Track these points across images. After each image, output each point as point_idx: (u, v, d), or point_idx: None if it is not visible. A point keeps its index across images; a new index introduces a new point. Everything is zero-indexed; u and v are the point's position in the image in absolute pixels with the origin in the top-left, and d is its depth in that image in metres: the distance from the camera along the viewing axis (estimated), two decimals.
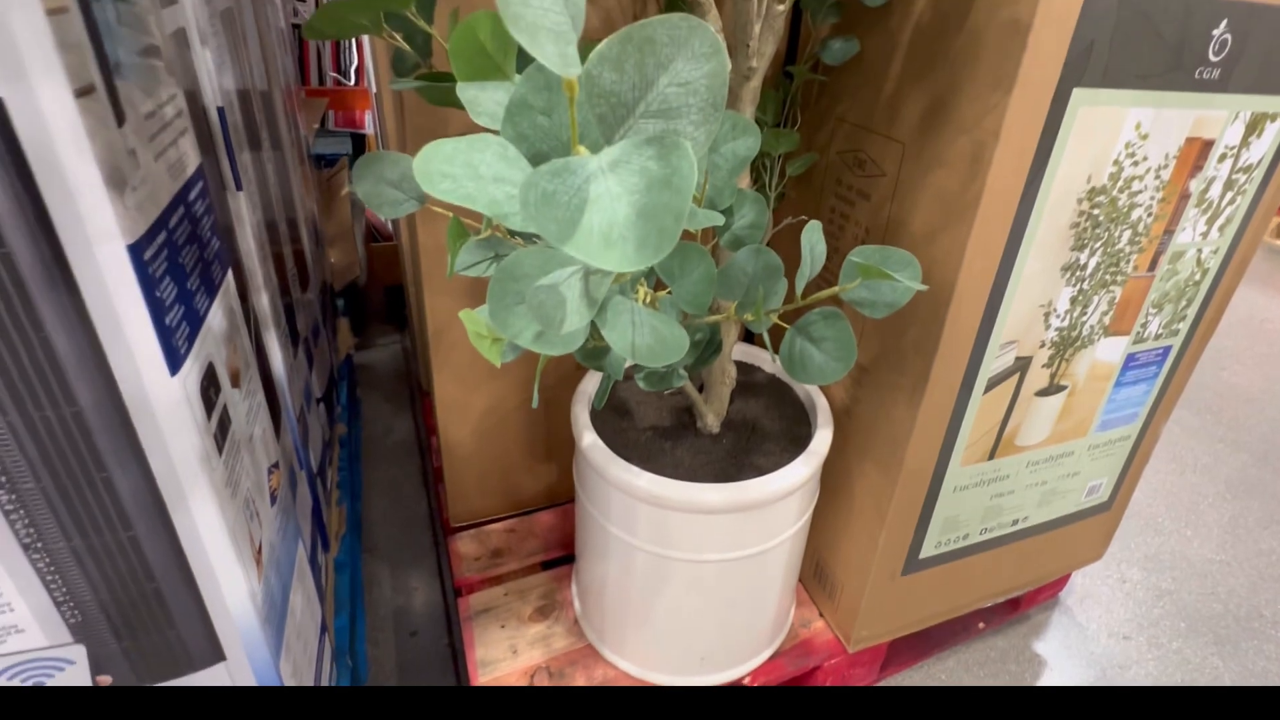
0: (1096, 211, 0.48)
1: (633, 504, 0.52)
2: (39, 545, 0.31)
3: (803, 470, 0.52)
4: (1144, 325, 0.57)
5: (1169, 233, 0.52)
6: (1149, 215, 0.50)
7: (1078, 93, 0.42)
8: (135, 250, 0.28)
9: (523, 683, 0.62)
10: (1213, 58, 0.45)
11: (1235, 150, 0.50)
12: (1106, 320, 0.54)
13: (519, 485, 0.79)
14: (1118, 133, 0.45)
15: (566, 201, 0.14)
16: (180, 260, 0.33)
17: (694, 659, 0.60)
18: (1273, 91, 0.48)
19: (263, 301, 0.54)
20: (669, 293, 0.34)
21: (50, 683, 0.35)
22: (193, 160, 0.37)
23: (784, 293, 0.36)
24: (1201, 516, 0.99)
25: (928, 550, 0.61)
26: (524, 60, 0.28)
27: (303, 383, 0.69)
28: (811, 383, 0.37)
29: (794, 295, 0.37)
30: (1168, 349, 0.60)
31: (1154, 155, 0.47)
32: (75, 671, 0.36)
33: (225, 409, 0.37)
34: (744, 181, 0.45)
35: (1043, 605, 0.84)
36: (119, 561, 0.34)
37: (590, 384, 0.61)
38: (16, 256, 0.25)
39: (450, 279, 0.64)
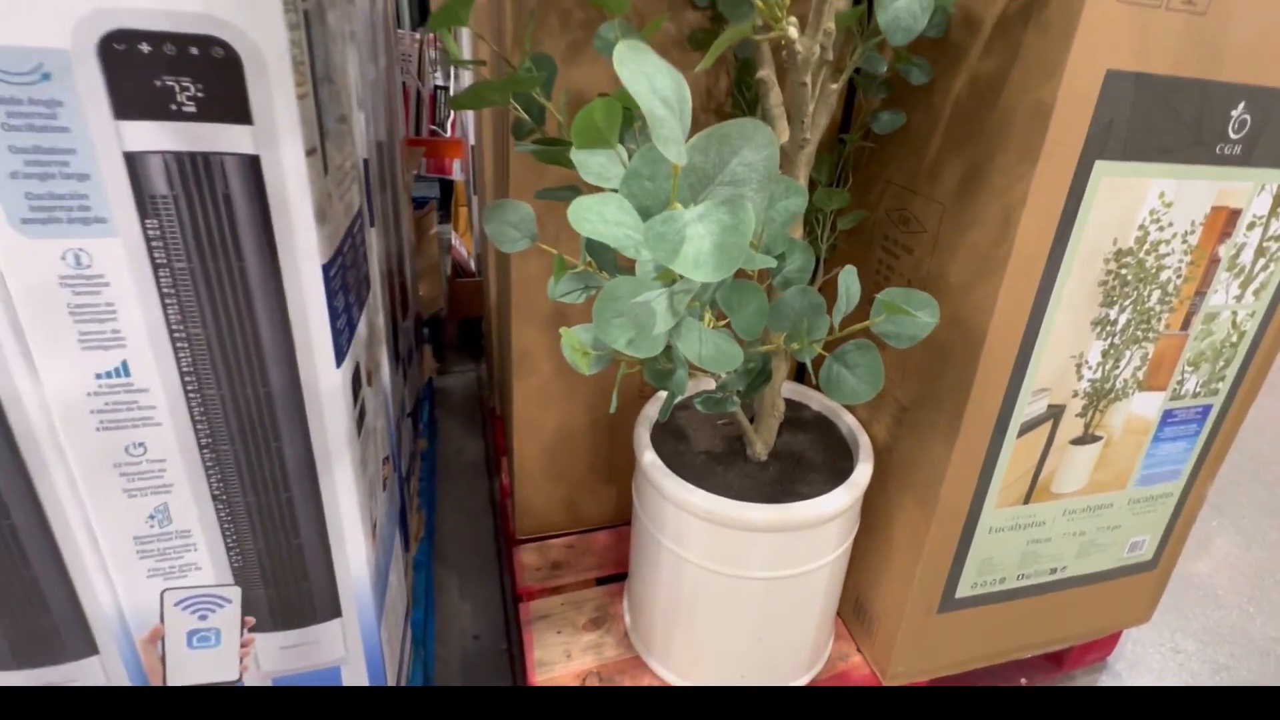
0: (1124, 271, 0.52)
1: (685, 518, 0.58)
2: (224, 498, 0.40)
3: (844, 498, 0.57)
4: (1180, 382, 0.59)
5: (1200, 294, 0.55)
6: (1178, 277, 0.54)
7: (1100, 164, 0.47)
8: (325, 269, 0.37)
9: (575, 684, 0.67)
10: (1233, 135, 0.50)
11: (1264, 219, 0.54)
12: (1141, 375, 0.57)
13: (581, 504, 0.85)
14: (1142, 200, 0.50)
15: (672, 238, 0.21)
16: (346, 279, 0.42)
17: (734, 674, 0.64)
18: None
19: (380, 320, 0.64)
20: (728, 324, 0.41)
21: (213, 616, 0.43)
22: (358, 201, 0.47)
23: (826, 326, 0.43)
24: (1266, 594, 0.96)
25: (964, 590, 0.64)
26: (623, 131, 0.36)
27: (399, 396, 0.79)
28: (845, 401, 0.43)
29: (834, 329, 0.43)
30: (1208, 408, 0.62)
31: (1179, 221, 0.52)
32: (230, 610, 0.44)
33: (363, 401, 0.46)
34: (796, 232, 0.52)
35: (1089, 667, 0.83)
36: (275, 518, 0.42)
37: (652, 409, 0.67)
38: (249, 270, 0.35)
39: (536, 309, 0.72)
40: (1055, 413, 0.57)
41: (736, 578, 0.58)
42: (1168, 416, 0.61)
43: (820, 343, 0.42)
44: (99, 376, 0.36)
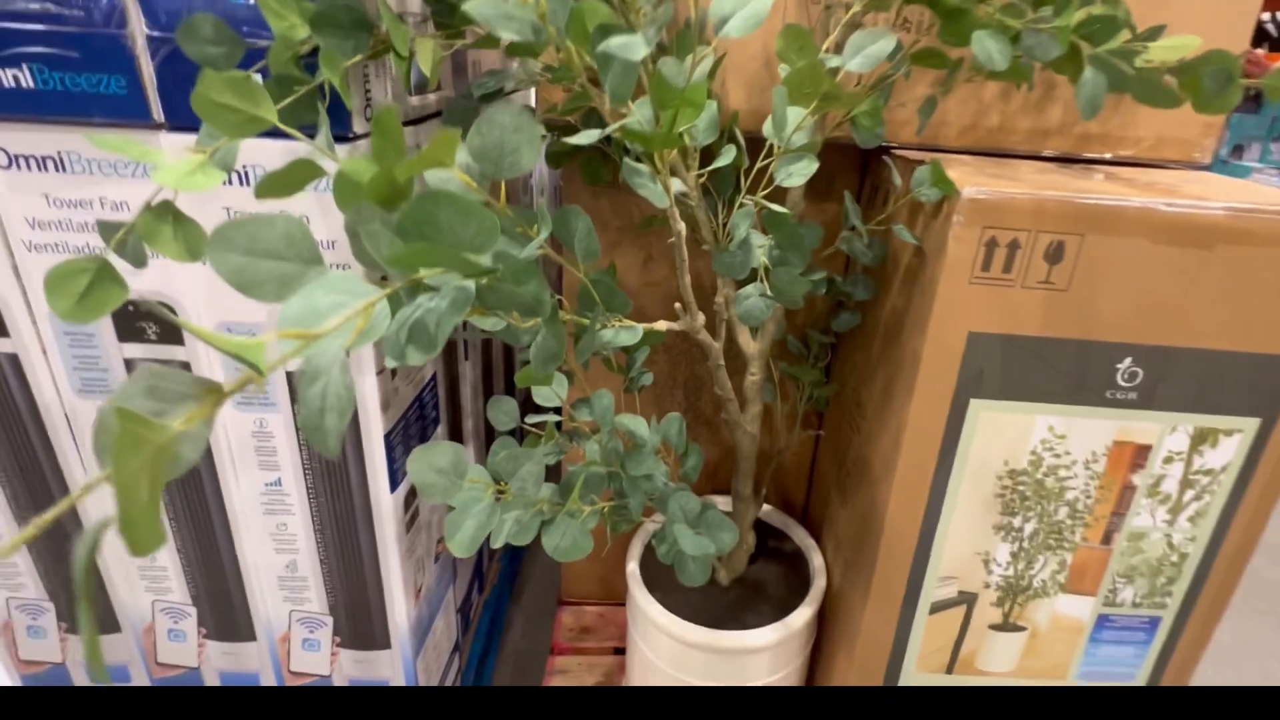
0: (1021, 488, 0.58)
1: (645, 623, 0.73)
2: (326, 561, 0.65)
3: (770, 636, 0.68)
4: (1114, 591, 0.62)
5: (1119, 515, 0.59)
6: (1087, 497, 0.58)
7: (976, 402, 0.56)
8: (387, 438, 0.60)
9: None
10: (1123, 383, 0.55)
11: (1184, 455, 0.56)
12: (1062, 579, 0.62)
13: (615, 579, 1.03)
14: (1030, 431, 0.56)
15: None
16: (409, 431, 0.66)
17: None
18: (1213, 411, 0.55)
19: (464, 425, 0.88)
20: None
21: (317, 631, 0.69)
22: (429, 372, 0.71)
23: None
24: None
25: None
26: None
27: None
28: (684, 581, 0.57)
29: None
30: (1155, 620, 0.63)
31: (1077, 451, 0.57)
32: (326, 629, 0.69)
33: (416, 508, 0.69)
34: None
35: None
36: (353, 578, 0.66)
37: (652, 525, 0.84)
38: (347, 448, 0.59)
39: None
40: (968, 599, 0.63)
41: (680, 681, 0.72)
42: (1104, 621, 0.63)
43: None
44: (266, 485, 0.62)
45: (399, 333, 0.24)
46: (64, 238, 0.50)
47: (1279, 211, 0.49)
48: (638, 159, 0.38)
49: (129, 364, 0.55)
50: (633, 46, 0.25)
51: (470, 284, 0.24)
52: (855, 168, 0.74)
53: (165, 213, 0.33)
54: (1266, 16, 3.32)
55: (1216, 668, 1.07)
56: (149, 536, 0.16)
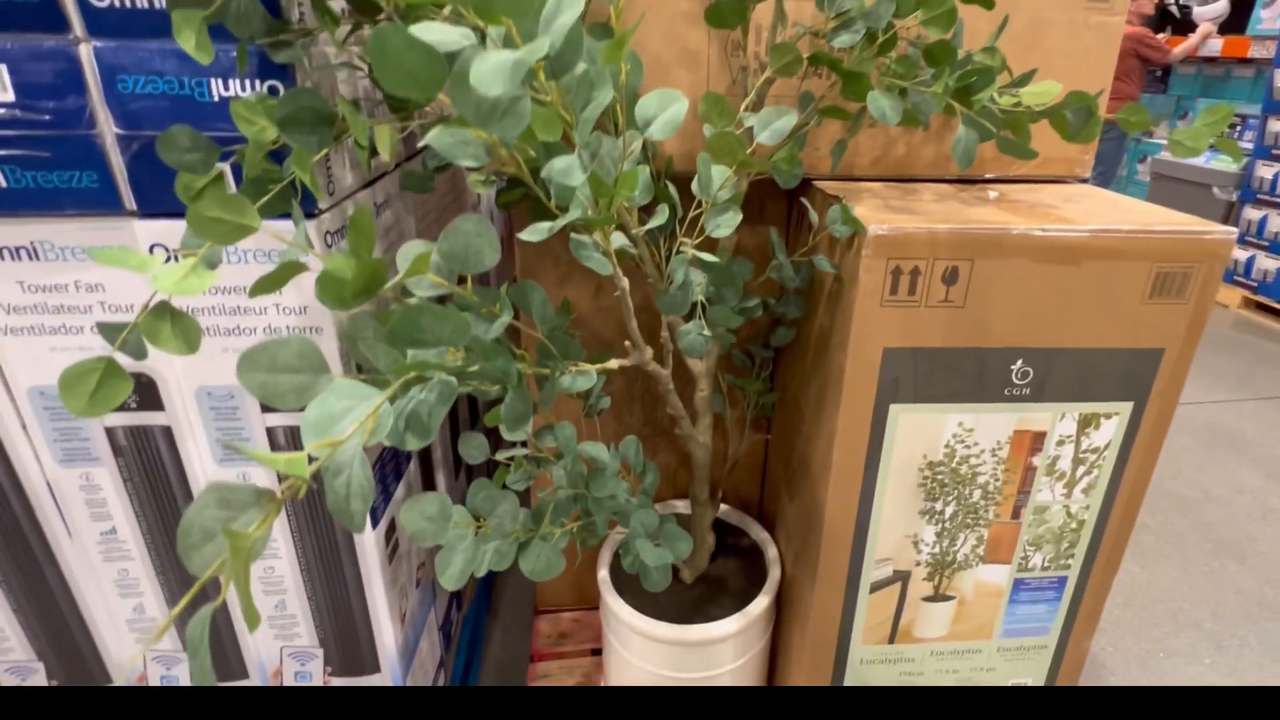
0: (940, 477, 0.67)
1: (618, 624, 0.79)
2: (314, 598, 0.69)
3: (732, 625, 0.75)
4: (1025, 558, 0.71)
5: (1024, 493, 0.68)
6: (996, 480, 0.67)
7: (895, 406, 0.63)
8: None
9: None
10: (1018, 381, 0.63)
11: (1073, 437, 0.66)
12: (981, 551, 0.70)
13: (588, 586, 1.08)
14: (942, 428, 0.65)
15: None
16: (385, 470, 0.70)
17: None
18: (1094, 399, 0.64)
19: (435, 462, 0.92)
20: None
21: (308, 664, 0.73)
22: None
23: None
24: None
25: None
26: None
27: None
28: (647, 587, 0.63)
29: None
30: (1063, 579, 0.72)
31: (984, 441, 0.65)
32: (317, 661, 0.73)
33: (396, 540, 0.73)
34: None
35: None
36: (342, 611, 0.70)
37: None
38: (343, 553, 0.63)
39: None
40: (902, 576, 0.71)
41: (653, 674, 0.79)
42: (1020, 584, 0.72)
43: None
44: None
45: (397, 422, 0.29)
46: (39, 320, 0.52)
47: (1131, 231, 0.58)
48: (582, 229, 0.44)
49: (110, 432, 0.58)
50: (571, 172, 0.30)
51: (453, 378, 0.29)
52: (784, 195, 0.81)
53: (163, 312, 0.37)
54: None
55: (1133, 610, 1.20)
56: (253, 613, 0.21)
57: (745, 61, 0.62)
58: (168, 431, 0.57)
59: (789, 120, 0.48)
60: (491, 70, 0.23)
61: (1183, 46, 2.88)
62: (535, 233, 0.35)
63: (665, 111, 0.38)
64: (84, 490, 0.58)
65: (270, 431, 0.58)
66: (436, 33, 0.29)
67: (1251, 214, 2.60)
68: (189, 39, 0.38)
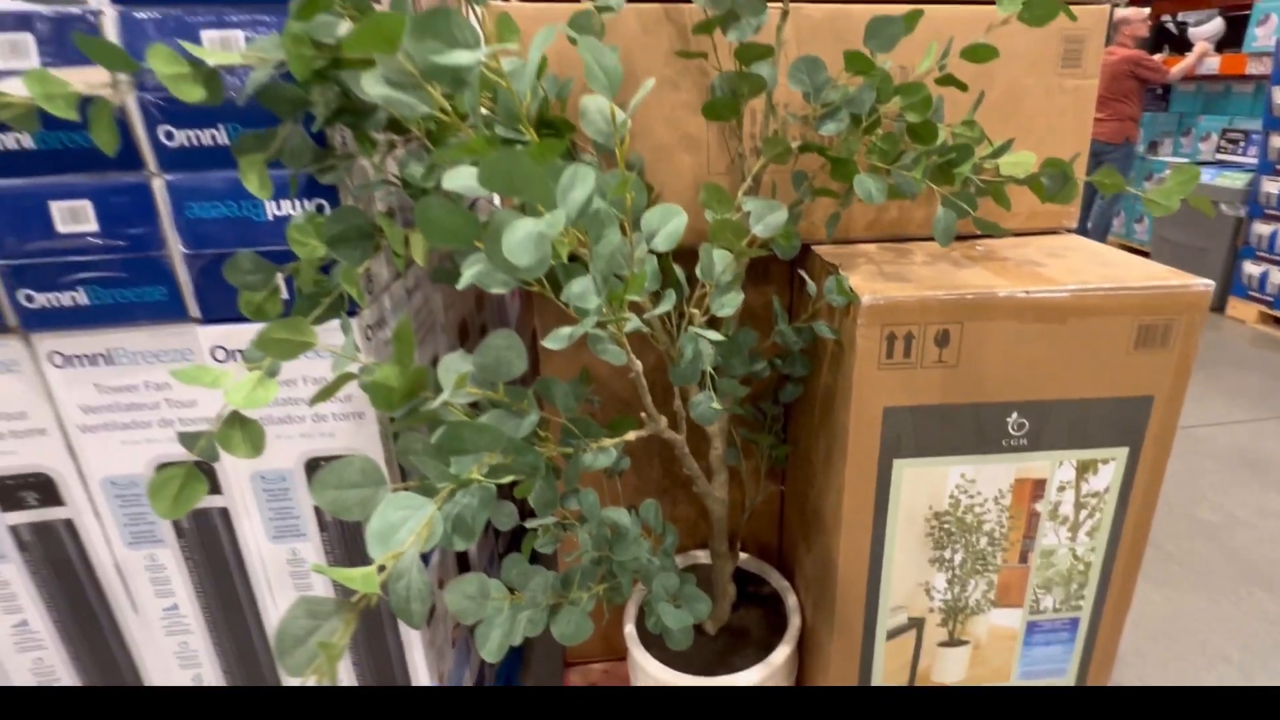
0: (947, 526, 0.69)
1: (644, 677, 0.82)
2: (360, 663, 0.73)
3: (755, 675, 0.78)
4: (1036, 601, 0.73)
5: (1030, 538, 0.70)
6: (1001, 527, 0.70)
7: (898, 461, 0.67)
8: None
9: None
10: (1014, 432, 0.66)
11: (1073, 483, 0.68)
12: (992, 596, 0.73)
13: (616, 638, 1.11)
14: (946, 479, 0.68)
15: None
16: None
17: None
18: (1090, 446, 0.67)
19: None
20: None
21: None
22: None
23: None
24: None
25: None
26: None
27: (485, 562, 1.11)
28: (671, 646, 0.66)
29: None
30: (1075, 619, 0.74)
31: (987, 490, 0.68)
32: None
33: (434, 603, 0.77)
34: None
35: None
36: (383, 673, 0.74)
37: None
38: (385, 617, 0.68)
39: None
40: (917, 623, 0.74)
41: None
42: (1033, 627, 0.74)
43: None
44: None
45: (446, 526, 0.34)
46: (112, 418, 0.58)
47: (1112, 289, 0.62)
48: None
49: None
50: (587, 296, 0.35)
51: (492, 485, 0.34)
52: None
53: (234, 422, 0.42)
54: (1168, 17, 3.64)
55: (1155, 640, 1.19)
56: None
57: (742, 148, 0.67)
58: (225, 513, 0.62)
59: (780, 215, 0.53)
60: (520, 242, 0.28)
61: (1180, 66, 2.92)
62: (556, 340, 0.40)
63: (667, 225, 0.43)
64: (149, 569, 0.63)
65: (318, 510, 0.63)
66: (463, 179, 0.34)
67: (1261, 229, 2.61)
68: (253, 181, 0.44)
